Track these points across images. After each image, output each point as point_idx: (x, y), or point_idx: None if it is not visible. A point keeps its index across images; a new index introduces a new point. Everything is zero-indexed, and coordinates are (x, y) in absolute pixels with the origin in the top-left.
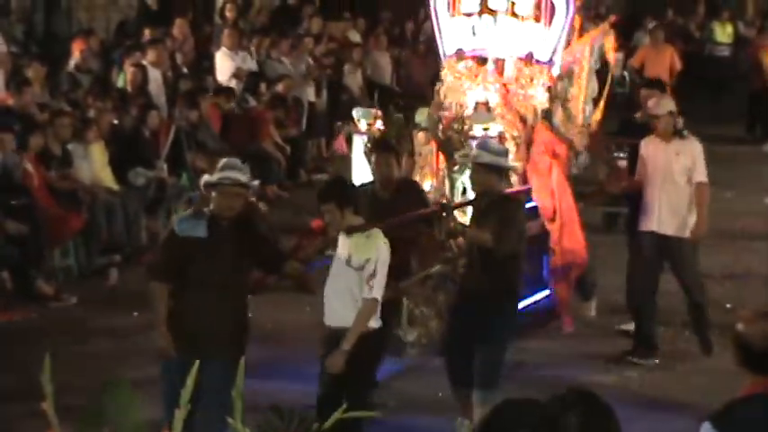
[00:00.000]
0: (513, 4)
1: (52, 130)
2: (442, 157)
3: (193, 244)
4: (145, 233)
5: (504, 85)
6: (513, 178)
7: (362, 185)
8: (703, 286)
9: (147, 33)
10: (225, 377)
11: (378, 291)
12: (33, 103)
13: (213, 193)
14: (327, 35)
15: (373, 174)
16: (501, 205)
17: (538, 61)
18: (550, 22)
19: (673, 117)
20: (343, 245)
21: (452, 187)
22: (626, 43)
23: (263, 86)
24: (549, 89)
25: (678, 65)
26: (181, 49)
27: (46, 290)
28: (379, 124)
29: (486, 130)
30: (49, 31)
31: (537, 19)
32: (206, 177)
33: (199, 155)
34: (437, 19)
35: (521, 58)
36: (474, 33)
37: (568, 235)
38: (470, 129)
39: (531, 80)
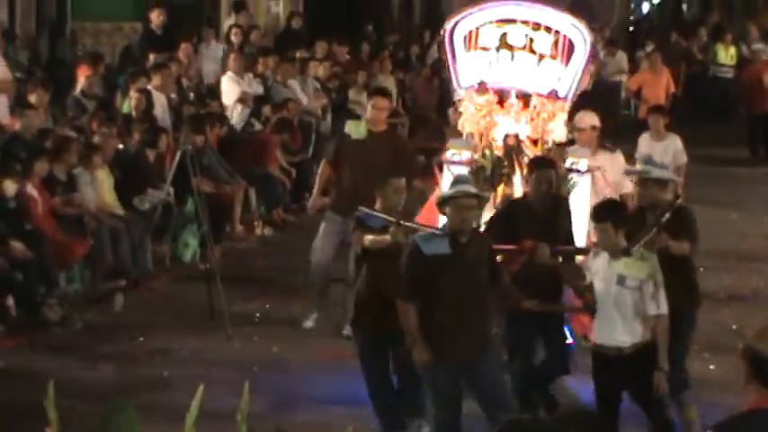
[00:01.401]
0: (531, 40)
1: (58, 155)
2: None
3: (440, 261)
4: (150, 258)
5: (532, 118)
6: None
7: (515, 201)
8: None
9: (151, 58)
10: (493, 368)
11: (664, 305)
12: (37, 128)
13: (447, 209)
14: (332, 59)
15: (532, 190)
16: (680, 216)
17: (559, 97)
18: (568, 61)
19: (596, 131)
20: (610, 266)
21: None
22: (629, 65)
23: (267, 110)
24: (566, 124)
25: (672, 87)
26: (186, 74)
27: (51, 315)
28: (466, 155)
29: (574, 163)
30: (54, 57)
31: (554, 57)
32: (438, 193)
33: (204, 179)
34: (452, 52)
35: (543, 95)
36: (490, 67)
37: None
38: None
39: (554, 115)
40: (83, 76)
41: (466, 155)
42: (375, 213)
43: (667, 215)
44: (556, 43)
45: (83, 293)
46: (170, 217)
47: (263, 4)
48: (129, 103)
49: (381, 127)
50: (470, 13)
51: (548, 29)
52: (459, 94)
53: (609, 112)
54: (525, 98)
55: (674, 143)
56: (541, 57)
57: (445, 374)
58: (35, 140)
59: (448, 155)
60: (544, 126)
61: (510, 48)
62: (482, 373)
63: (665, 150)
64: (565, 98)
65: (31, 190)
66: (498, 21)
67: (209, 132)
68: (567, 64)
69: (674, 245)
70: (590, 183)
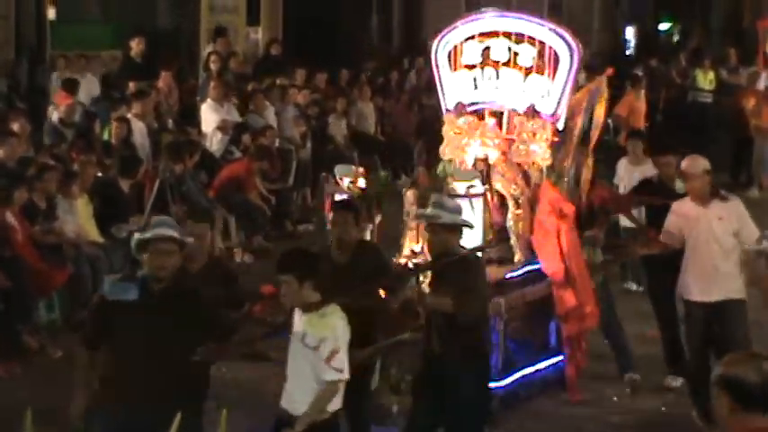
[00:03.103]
0: (515, 54)
1: (38, 184)
2: None
3: (123, 308)
4: None
5: (506, 139)
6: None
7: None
8: None
9: (131, 86)
10: None
11: (337, 372)
12: (17, 156)
13: (145, 255)
14: (311, 85)
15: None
16: (460, 267)
17: (541, 115)
18: (554, 74)
19: (709, 176)
20: (299, 321)
21: None
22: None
23: (246, 137)
24: (551, 144)
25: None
26: (166, 102)
27: (30, 343)
28: (362, 182)
29: (470, 188)
30: (33, 85)
31: (540, 71)
32: (137, 236)
33: (183, 207)
34: (438, 73)
35: (523, 112)
36: (476, 87)
37: (583, 301)
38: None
39: (534, 135)
40: (62, 105)
41: (359, 182)
42: None
43: (425, 267)
44: (540, 55)
45: (62, 321)
46: None
47: (242, 32)
48: (108, 131)
49: None
50: (454, 28)
51: (531, 40)
52: (443, 118)
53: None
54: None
55: (652, 168)
56: (527, 71)
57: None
58: (16, 169)
59: (343, 182)
60: (526, 147)
61: (494, 64)
62: None
63: (643, 175)
64: (553, 116)
65: (10, 218)
66: (480, 35)
67: (187, 160)
68: (553, 77)
69: (429, 298)
70: (482, 207)
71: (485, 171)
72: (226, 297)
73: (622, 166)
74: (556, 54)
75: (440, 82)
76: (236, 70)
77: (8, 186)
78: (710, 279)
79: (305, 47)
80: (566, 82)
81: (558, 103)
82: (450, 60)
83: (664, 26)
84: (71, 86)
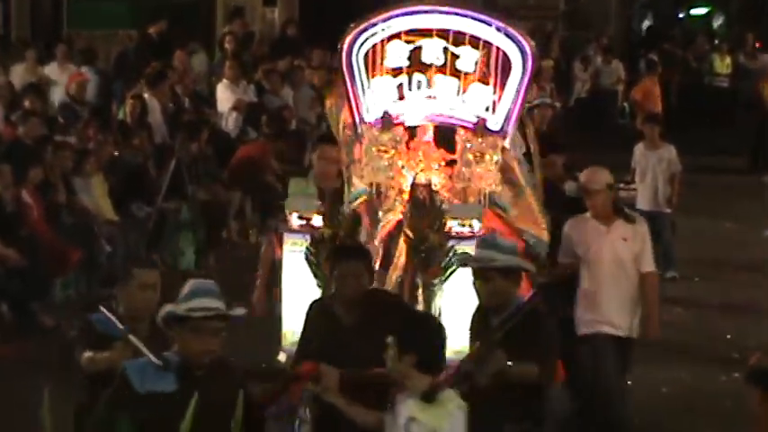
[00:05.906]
0: (454, 57)
1: (54, 161)
2: (412, 265)
3: (159, 402)
4: None
5: (448, 161)
6: None
7: (316, 302)
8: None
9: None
10: None
11: None
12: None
13: (181, 331)
14: (327, 66)
15: (336, 289)
16: (533, 322)
17: (490, 131)
18: (503, 84)
19: (613, 191)
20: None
21: (429, 307)
22: (627, 75)
23: (264, 118)
24: (501, 167)
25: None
26: (181, 81)
27: (46, 321)
28: (318, 220)
29: (464, 226)
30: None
31: (483, 80)
32: (169, 307)
33: (200, 187)
34: (351, 79)
35: (468, 128)
36: (402, 96)
37: None
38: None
39: (483, 155)
40: (72, 81)
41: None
42: (110, 317)
43: (509, 324)
44: (486, 60)
45: (78, 299)
46: (165, 224)
47: (258, 12)
48: (124, 110)
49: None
50: (372, 24)
51: (474, 41)
52: (361, 131)
53: (605, 121)
54: (446, 134)
55: (669, 152)
56: (467, 79)
57: None
58: (33, 147)
59: (293, 219)
60: (471, 170)
61: (425, 69)
62: None
63: (659, 160)
64: (500, 133)
65: (26, 196)
66: (408, 33)
67: (202, 140)
68: (501, 88)
69: (516, 370)
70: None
71: (426, 199)
72: None
73: (639, 150)
74: (506, 58)
75: (351, 89)
76: (255, 51)
77: (24, 164)
78: (616, 308)
79: (321, 27)
80: (517, 94)
81: (507, 118)
82: (367, 63)
83: (700, 11)
84: (89, 57)
